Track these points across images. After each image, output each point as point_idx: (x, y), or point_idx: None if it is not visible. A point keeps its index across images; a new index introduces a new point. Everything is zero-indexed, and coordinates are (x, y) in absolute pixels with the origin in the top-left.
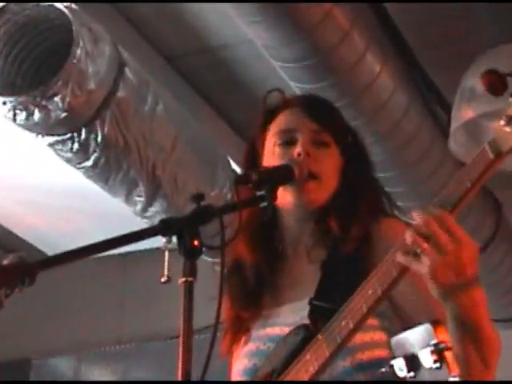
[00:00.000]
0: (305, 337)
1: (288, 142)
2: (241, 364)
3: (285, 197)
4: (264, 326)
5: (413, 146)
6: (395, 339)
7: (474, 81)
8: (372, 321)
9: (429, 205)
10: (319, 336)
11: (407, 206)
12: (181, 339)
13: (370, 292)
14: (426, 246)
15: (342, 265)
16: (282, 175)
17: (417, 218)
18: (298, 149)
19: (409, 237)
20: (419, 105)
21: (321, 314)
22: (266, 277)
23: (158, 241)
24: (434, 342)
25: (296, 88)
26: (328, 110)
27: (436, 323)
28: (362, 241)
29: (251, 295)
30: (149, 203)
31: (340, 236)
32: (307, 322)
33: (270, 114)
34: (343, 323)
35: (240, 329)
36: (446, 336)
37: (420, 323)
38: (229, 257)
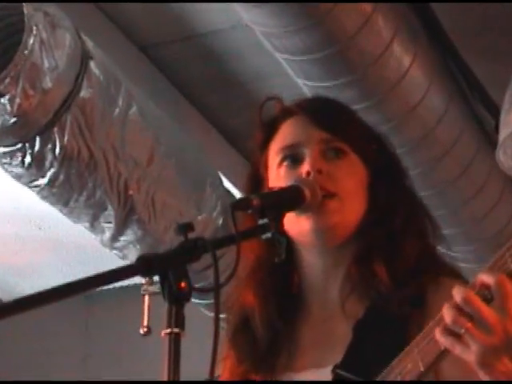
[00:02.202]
0: None
1: (294, 159)
2: None
3: (300, 224)
4: None
5: (451, 159)
6: None
7: None
8: None
9: (483, 268)
10: None
11: (444, 233)
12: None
13: (409, 367)
14: (469, 325)
15: (384, 328)
16: (290, 198)
17: (456, 295)
18: (305, 167)
19: (447, 316)
20: (459, 106)
21: None
22: (281, 335)
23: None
24: None
25: (305, 86)
26: (339, 112)
27: None
28: (415, 301)
29: (264, 355)
30: (119, 231)
31: (390, 290)
32: None
33: (270, 128)
34: None
35: None
36: None
37: None
38: (234, 308)
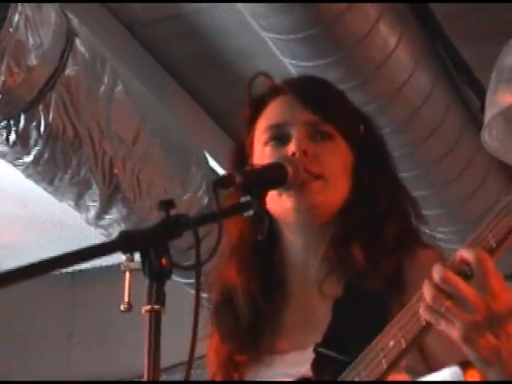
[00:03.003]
0: None
1: (280, 139)
2: None
3: (282, 203)
4: (259, 377)
5: (436, 139)
6: None
7: None
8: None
9: (464, 244)
10: None
11: (429, 214)
12: (144, 380)
13: (391, 344)
14: (448, 303)
15: (363, 306)
16: (273, 176)
17: (435, 274)
18: (291, 147)
19: (427, 295)
20: (445, 87)
21: (328, 366)
22: (264, 313)
23: (115, 257)
24: None
25: (291, 66)
26: (328, 93)
27: (466, 365)
28: (392, 277)
29: (247, 335)
30: (104, 209)
31: (365, 269)
32: (310, 374)
33: (257, 106)
34: (357, 379)
35: (231, 375)
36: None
37: (446, 365)
38: (217, 284)
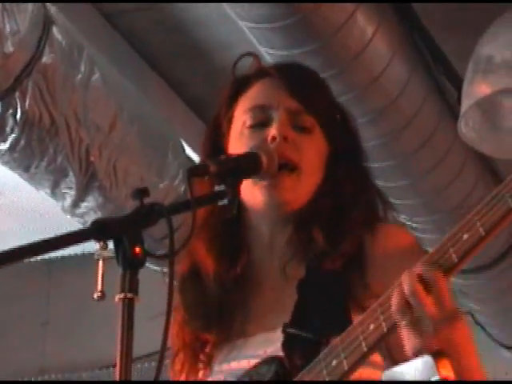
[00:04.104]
0: (277, 372)
1: (261, 122)
2: None
3: (254, 194)
4: (228, 359)
5: (412, 130)
6: (388, 374)
7: (491, 48)
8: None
9: (422, 261)
10: (302, 374)
11: (405, 204)
12: (117, 369)
13: (371, 327)
14: (411, 318)
15: (325, 285)
16: (248, 165)
17: (405, 285)
18: (272, 131)
19: (394, 303)
20: (422, 77)
21: (297, 345)
22: (233, 295)
23: (91, 245)
24: (435, 378)
25: (268, 55)
26: (314, 83)
27: (438, 355)
28: (352, 256)
29: (216, 316)
30: (80, 197)
31: (325, 250)
32: (280, 353)
33: (241, 86)
34: (334, 362)
35: (198, 356)
36: (450, 371)
37: (409, 358)
38: (183, 261)
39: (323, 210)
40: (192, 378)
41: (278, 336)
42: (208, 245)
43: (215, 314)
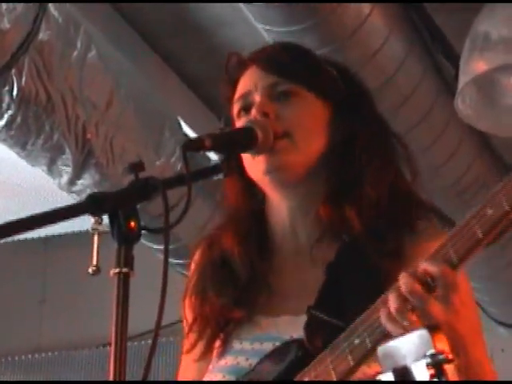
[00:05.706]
0: (298, 355)
1: (246, 109)
2: (212, 380)
3: (255, 166)
4: (252, 339)
5: (409, 107)
6: (383, 349)
7: (488, 25)
8: None
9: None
10: (323, 355)
11: None
12: (112, 347)
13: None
14: (412, 318)
15: (357, 269)
16: (242, 139)
17: (402, 285)
18: (252, 112)
19: (392, 303)
20: (419, 54)
21: (320, 328)
22: (260, 275)
23: (87, 222)
24: (430, 352)
25: (265, 32)
26: (289, 54)
27: (434, 329)
28: (392, 251)
29: (243, 293)
30: (77, 174)
31: (360, 234)
32: (303, 336)
33: (232, 84)
34: (357, 341)
35: (218, 332)
36: (446, 345)
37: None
38: (213, 251)
39: (345, 183)
40: (208, 354)
41: (301, 321)
42: (234, 234)
43: (243, 292)
